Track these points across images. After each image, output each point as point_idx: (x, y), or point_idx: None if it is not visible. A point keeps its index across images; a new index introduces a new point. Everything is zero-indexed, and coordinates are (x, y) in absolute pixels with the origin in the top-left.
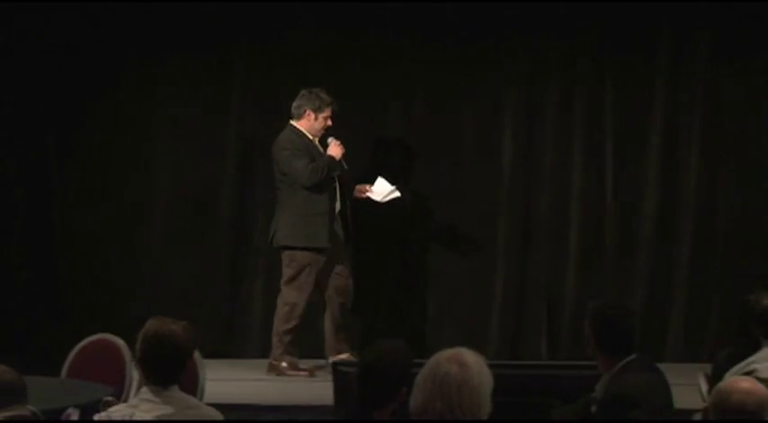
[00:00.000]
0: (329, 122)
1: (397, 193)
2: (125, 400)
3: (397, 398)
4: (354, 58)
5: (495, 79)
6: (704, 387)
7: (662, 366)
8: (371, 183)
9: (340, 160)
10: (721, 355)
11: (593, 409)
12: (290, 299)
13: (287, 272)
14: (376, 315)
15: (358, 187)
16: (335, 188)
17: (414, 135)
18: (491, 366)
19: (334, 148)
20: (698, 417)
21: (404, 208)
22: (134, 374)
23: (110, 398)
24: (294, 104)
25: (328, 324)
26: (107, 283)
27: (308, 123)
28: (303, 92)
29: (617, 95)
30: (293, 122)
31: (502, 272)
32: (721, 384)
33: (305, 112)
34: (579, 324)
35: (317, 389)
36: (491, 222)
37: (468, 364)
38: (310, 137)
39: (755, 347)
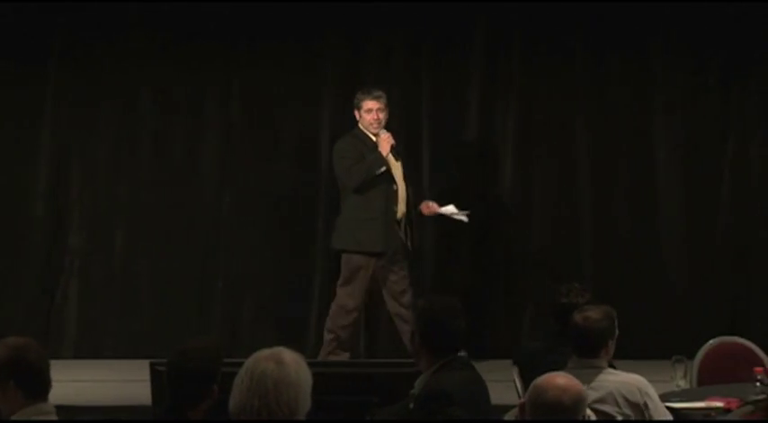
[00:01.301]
0: (377, 115)
1: (464, 218)
2: None
3: (208, 396)
4: (172, 58)
5: (314, 79)
6: (519, 383)
7: (478, 363)
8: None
9: (389, 154)
10: (530, 348)
11: (411, 406)
12: (341, 301)
13: (342, 273)
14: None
15: (428, 204)
16: (395, 191)
17: (232, 134)
18: (310, 364)
19: (382, 143)
20: (513, 414)
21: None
22: None
23: None
24: None
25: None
26: None
27: (360, 122)
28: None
29: (432, 95)
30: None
31: (320, 270)
32: (537, 380)
33: (354, 111)
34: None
35: (136, 389)
36: (311, 223)
37: (285, 363)
38: (370, 135)
39: (565, 341)
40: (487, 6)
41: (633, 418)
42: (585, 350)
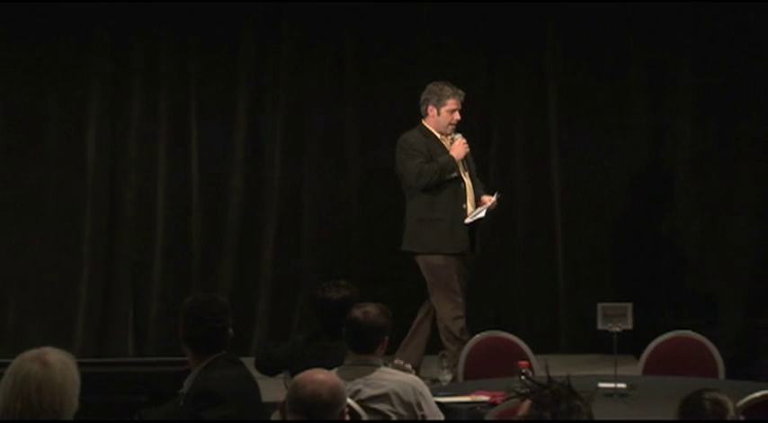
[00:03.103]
0: (456, 116)
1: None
2: None
3: None
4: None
5: (79, 77)
6: (288, 381)
7: (247, 361)
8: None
9: (463, 160)
10: (295, 341)
11: (181, 404)
12: (435, 302)
13: (427, 279)
14: None
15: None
16: (464, 190)
17: None
18: (79, 364)
19: (457, 148)
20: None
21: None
22: None
23: None
24: (420, 101)
25: (421, 330)
26: None
27: (433, 120)
28: (429, 86)
29: (200, 95)
30: (423, 121)
31: (88, 268)
32: (298, 376)
33: (428, 107)
34: (167, 319)
35: None
36: (77, 220)
37: (50, 364)
38: (438, 135)
39: (332, 337)
40: (256, 7)
41: (406, 417)
42: (363, 346)
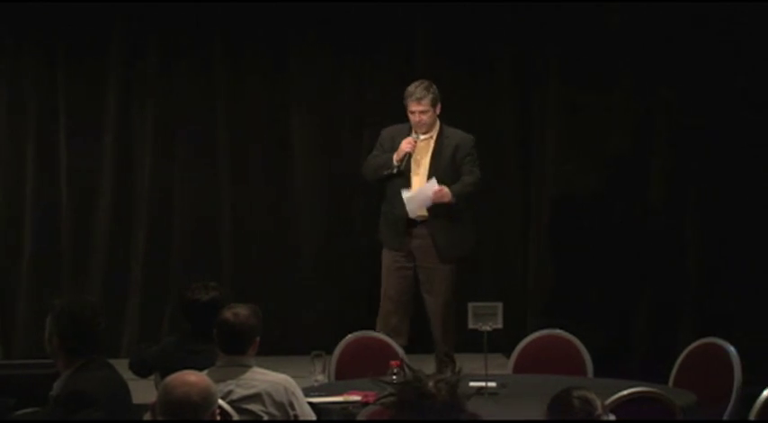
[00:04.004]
0: (415, 118)
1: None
2: None
3: None
4: None
5: None
6: (159, 383)
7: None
8: None
9: (402, 159)
10: (166, 343)
11: (51, 408)
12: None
13: None
14: None
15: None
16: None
17: None
18: None
19: (400, 147)
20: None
21: None
22: None
23: None
24: None
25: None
26: None
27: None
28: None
29: (68, 96)
30: None
31: None
32: (168, 378)
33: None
34: (35, 321)
35: None
36: None
37: None
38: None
39: (202, 339)
40: (125, 7)
41: (279, 417)
42: (234, 347)
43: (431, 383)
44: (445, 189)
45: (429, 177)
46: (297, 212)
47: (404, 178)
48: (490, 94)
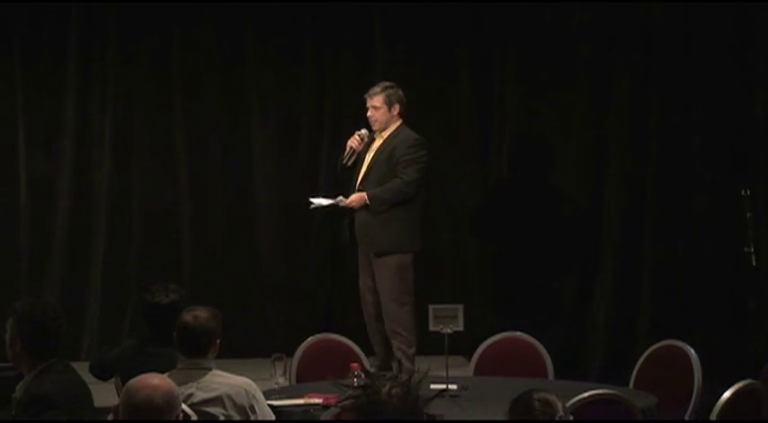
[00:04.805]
0: (368, 113)
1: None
2: None
3: None
4: None
5: None
6: (120, 386)
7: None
8: None
9: (352, 153)
10: (126, 346)
11: (13, 411)
12: None
13: None
14: None
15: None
16: (353, 184)
17: None
18: None
19: (348, 141)
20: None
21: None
22: None
23: None
24: None
25: None
26: None
27: None
28: None
29: (27, 96)
30: None
31: None
32: (131, 381)
33: None
34: None
35: None
36: None
37: None
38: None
39: (162, 342)
40: (81, 6)
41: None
42: (194, 349)
43: (384, 390)
44: (355, 197)
45: (365, 175)
46: (256, 213)
47: (353, 174)
48: (449, 96)
